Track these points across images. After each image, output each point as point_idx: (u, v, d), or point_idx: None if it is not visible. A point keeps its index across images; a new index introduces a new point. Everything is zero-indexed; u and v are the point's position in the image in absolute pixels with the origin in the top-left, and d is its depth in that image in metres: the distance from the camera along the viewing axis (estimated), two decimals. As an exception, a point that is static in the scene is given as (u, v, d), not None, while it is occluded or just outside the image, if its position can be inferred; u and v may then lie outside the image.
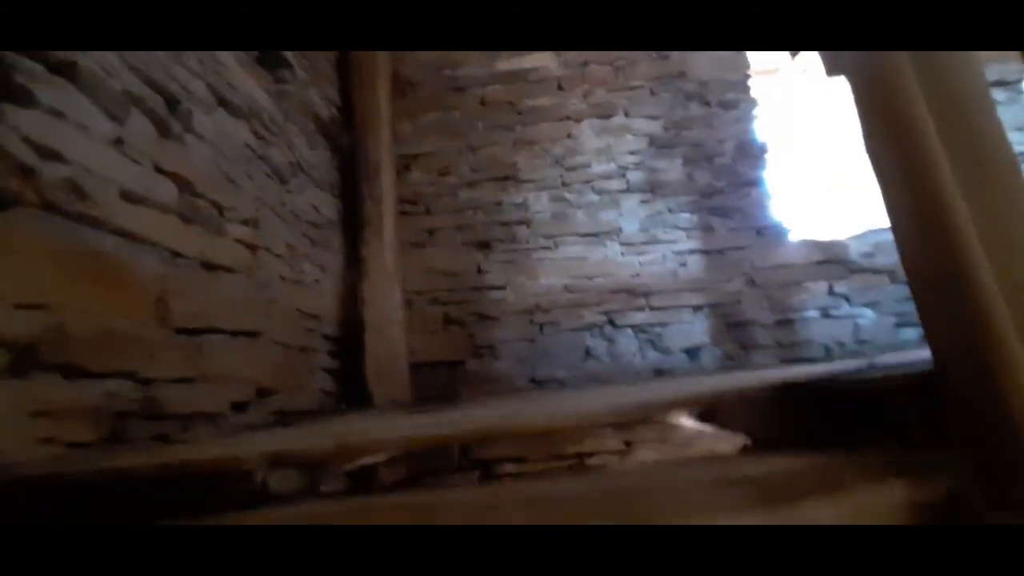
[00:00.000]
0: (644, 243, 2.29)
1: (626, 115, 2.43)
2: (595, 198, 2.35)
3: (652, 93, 2.44)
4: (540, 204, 2.35)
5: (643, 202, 2.33)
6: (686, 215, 2.31)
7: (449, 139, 2.43)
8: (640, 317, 2.21)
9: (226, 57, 1.41)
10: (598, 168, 2.38)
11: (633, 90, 2.45)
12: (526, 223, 2.33)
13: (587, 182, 2.37)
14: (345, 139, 2.18)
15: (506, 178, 2.38)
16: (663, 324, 2.20)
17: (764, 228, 2.28)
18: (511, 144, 2.42)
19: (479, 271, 2.28)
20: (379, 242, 2.05)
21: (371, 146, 2.19)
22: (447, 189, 2.38)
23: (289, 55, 1.77)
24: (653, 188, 2.34)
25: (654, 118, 2.42)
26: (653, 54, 2.48)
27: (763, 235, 2.28)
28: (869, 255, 2.23)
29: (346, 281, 2.00)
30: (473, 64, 2.50)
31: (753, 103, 2.42)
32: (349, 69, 2.27)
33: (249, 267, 1.43)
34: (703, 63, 2.46)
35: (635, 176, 2.36)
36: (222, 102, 1.36)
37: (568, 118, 2.44)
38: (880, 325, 2.17)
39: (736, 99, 2.42)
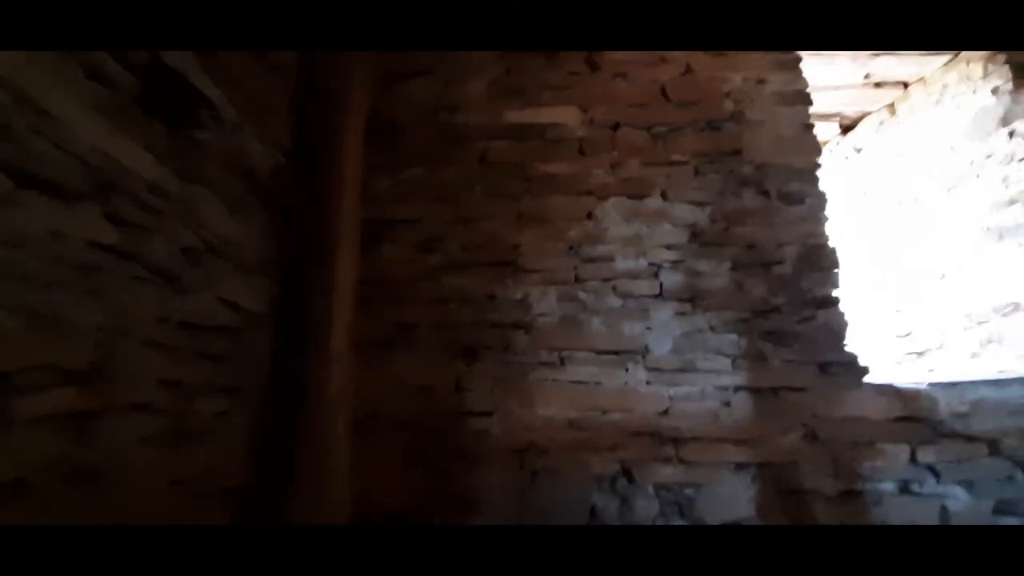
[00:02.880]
0: (678, 370, 1.75)
1: (664, 198, 1.91)
2: (617, 303, 1.81)
3: (697, 172, 1.93)
4: (546, 304, 1.80)
5: (679, 314, 1.80)
6: (733, 337, 1.78)
7: (437, 204, 1.88)
8: (666, 472, 1.66)
9: (64, 106, 0.83)
10: (623, 264, 1.84)
11: (674, 166, 1.94)
12: (525, 328, 1.77)
13: (608, 280, 1.83)
14: (294, 198, 1.60)
15: (505, 264, 1.83)
16: (696, 485, 1.66)
17: (830, 365, 1.77)
18: (515, 219, 1.87)
19: (458, 388, 1.71)
20: (322, 353, 1.46)
21: (328, 209, 1.62)
22: (428, 272, 1.81)
23: (211, 93, 1.21)
24: (693, 297, 1.81)
25: (699, 205, 1.90)
26: (702, 123, 1.98)
27: (828, 374, 1.76)
28: (963, 416, 1.73)
29: (272, 406, 1.41)
30: (476, 110, 1.97)
31: (822, 199, 1.93)
32: (313, 101, 1.71)
33: (67, 453, 0.84)
34: (763, 140, 1.96)
35: (671, 279, 1.83)
36: (29, 181, 0.78)
37: (590, 193, 1.91)
38: (975, 510, 1.66)
39: (801, 191, 1.93)
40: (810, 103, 2.04)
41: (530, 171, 1.92)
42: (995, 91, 2.12)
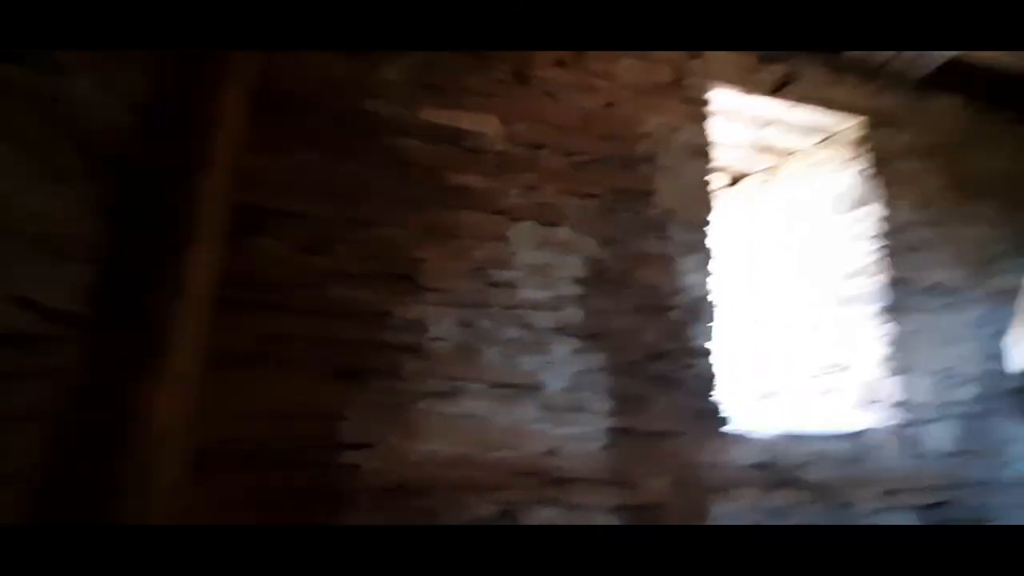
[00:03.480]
0: (569, 409, 1.72)
1: (576, 229, 1.87)
2: (517, 334, 1.73)
3: (610, 210, 1.93)
4: (444, 327, 1.65)
5: (577, 351, 1.77)
6: (625, 379, 1.80)
7: (332, 200, 1.63)
8: (547, 515, 1.62)
9: None
10: (529, 293, 1.77)
11: (589, 198, 1.91)
12: (418, 352, 1.61)
13: (511, 308, 1.74)
14: (143, 169, 1.27)
15: (404, 279, 1.65)
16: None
17: (702, 412, 1.87)
18: (421, 231, 1.70)
19: (333, 416, 1.50)
20: (156, 369, 1.17)
21: (187, 187, 1.30)
22: (312, 277, 1.57)
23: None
24: (592, 335, 1.80)
25: (609, 243, 1.89)
26: (619, 160, 1.98)
27: (701, 420, 1.86)
28: (802, 466, 1.93)
29: (72, 441, 1.08)
30: (391, 99, 1.75)
31: (710, 253, 2.03)
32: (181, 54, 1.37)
33: None
34: (671, 187, 2.02)
35: (573, 314, 1.80)
36: None
37: (503, 213, 1.80)
38: (802, 551, 1.86)
39: (696, 243, 2.02)
40: (711, 159, 2.15)
41: (443, 179, 1.75)
42: (857, 177, 2.42)
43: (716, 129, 2.27)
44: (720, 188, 3.16)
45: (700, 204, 2.06)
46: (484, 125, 1.84)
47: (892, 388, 2.18)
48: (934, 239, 2.38)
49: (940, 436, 2.18)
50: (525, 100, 1.91)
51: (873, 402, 2.22)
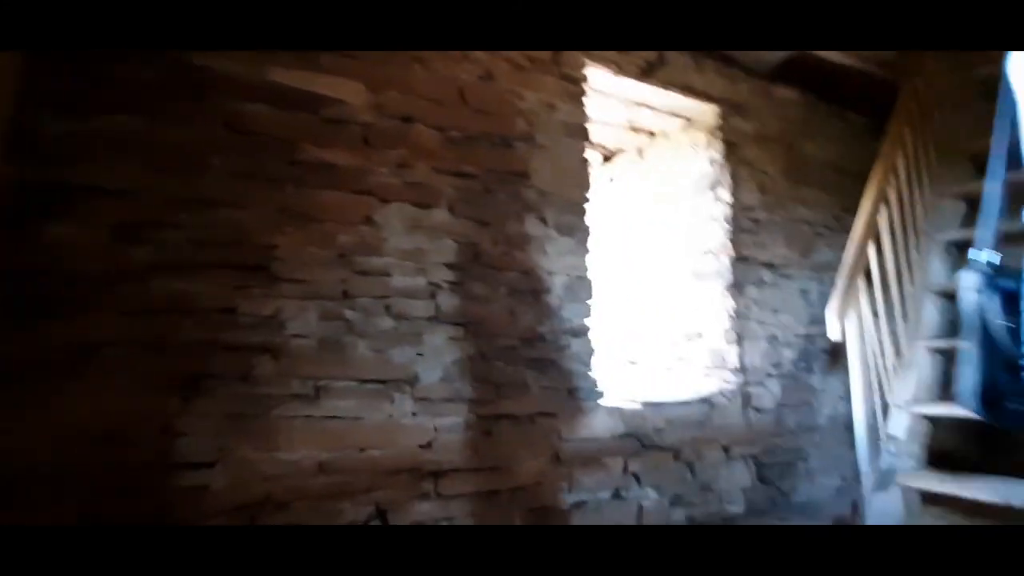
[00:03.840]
0: (445, 399, 1.68)
1: (451, 211, 1.78)
2: (390, 324, 1.62)
3: (487, 190, 1.86)
4: (304, 323, 1.49)
5: (453, 339, 1.72)
6: (501, 365, 1.79)
7: (155, 175, 1.35)
8: (423, 509, 1.59)
9: None
10: (401, 281, 1.66)
11: (465, 178, 1.82)
12: (274, 352, 1.44)
13: (382, 298, 1.62)
14: None
15: (254, 269, 1.44)
16: (450, 519, 1.63)
17: (577, 390, 1.95)
18: (273, 211, 1.49)
19: (168, 432, 1.29)
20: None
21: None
22: (133, 269, 1.30)
23: None
24: (468, 322, 1.75)
25: (484, 224, 1.83)
26: (496, 138, 1.90)
27: (575, 398, 1.94)
28: (661, 431, 2.12)
29: None
30: (229, 54, 1.47)
31: (588, 232, 2.08)
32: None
33: None
34: (548, 167, 2.00)
35: (448, 301, 1.73)
36: None
37: (371, 193, 1.65)
38: (659, 506, 2.07)
39: (573, 224, 2.04)
40: (588, 138, 2.17)
41: (299, 153, 1.54)
42: (711, 161, 2.62)
43: (591, 107, 2.29)
44: (594, 165, 3.24)
45: (577, 184, 2.08)
46: (346, 92, 1.64)
47: (733, 354, 2.46)
48: (771, 220, 2.67)
49: (768, 394, 2.52)
50: (393, 67, 1.73)
51: (718, 367, 2.50)
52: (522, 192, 1.93)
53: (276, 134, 1.52)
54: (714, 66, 2.57)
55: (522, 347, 1.85)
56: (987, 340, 0.96)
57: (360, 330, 1.57)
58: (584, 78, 2.15)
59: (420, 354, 1.66)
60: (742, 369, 2.44)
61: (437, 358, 1.68)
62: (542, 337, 1.89)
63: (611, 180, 3.17)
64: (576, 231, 2.04)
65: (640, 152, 3.02)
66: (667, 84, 2.42)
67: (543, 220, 1.97)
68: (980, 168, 2.53)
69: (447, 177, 1.78)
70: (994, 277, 0.96)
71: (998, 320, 0.94)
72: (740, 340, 2.47)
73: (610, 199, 3.16)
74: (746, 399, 2.44)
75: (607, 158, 3.20)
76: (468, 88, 1.87)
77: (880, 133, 2.52)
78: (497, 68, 1.94)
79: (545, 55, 2.06)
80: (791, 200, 2.78)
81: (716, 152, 2.60)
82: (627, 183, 3.09)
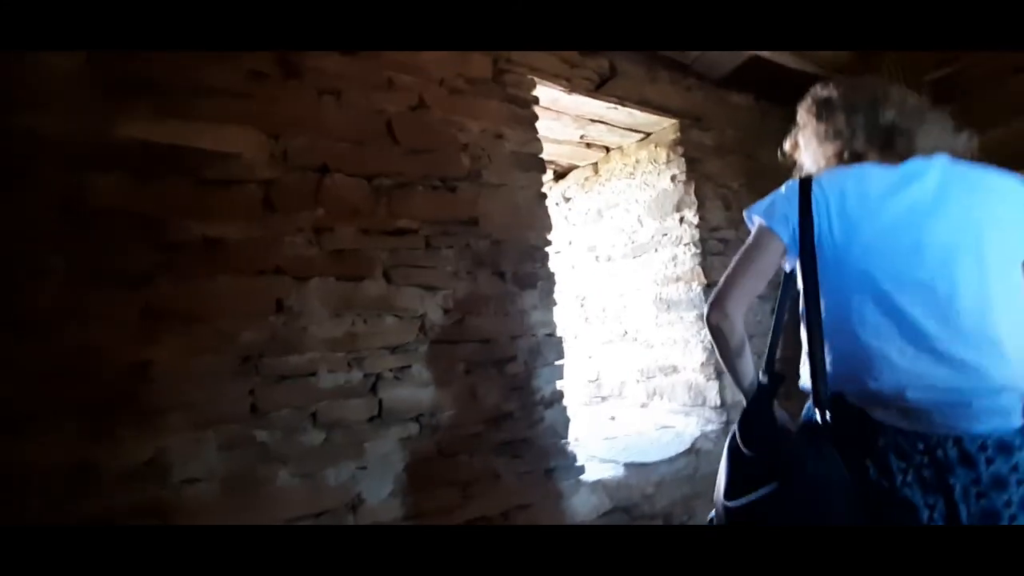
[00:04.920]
0: (400, 519, 1.34)
1: (388, 280, 1.43)
2: (319, 439, 1.27)
3: (428, 245, 1.53)
4: (199, 461, 1.11)
5: (403, 441, 1.38)
6: (465, 459, 1.48)
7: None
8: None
9: None
10: (330, 379, 1.30)
11: (402, 236, 1.48)
12: (160, 510, 1.06)
13: (304, 407, 1.26)
14: None
15: (117, 402, 1.05)
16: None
17: (554, 470, 1.66)
18: (137, 317, 1.09)
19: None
20: None
21: None
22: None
23: None
24: (421, 415, 1.42)
25: (430, 289, 1.50)
26: (435, 179, 1.57)
27: (552, 479, 1.65)
28: (650, 496, 1.88)
29: None
30: (63, 111, 1.06)
31: (553, 280, 1.79)
32: None
33: None
34: (500, 208, 1.69)
35: (394, 394, 1.39)
36: None
37: (279, 271, 1.28)
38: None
39: (535, 273, 1.75)
40: (544, 170, 1.88)
41: (172, 233, 1.15)
42: (673, 179, 2.40)
43: (543, 126, 2.00)
44: (548, 187, 2.97)
45: (535, 226, 1.78)
46: (237, 142, 1.26)
47: (713, 391, 2.26)
48: (739, 239, 2.49)
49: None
50: (298, 102, 1.37)
51: (698, 405, 2.30)
52: (472, 244, 1.61)
53: (137, 210, 1.12)
54: (668, 76, 2.34)
55: (489, 432, 1.54)
56: None
57: (279, 454, 1.21)
58: (534, 100, 1.86)
59: (363, 468, 1.31)
60: (723, 406, 2.25)
61: (385, 469, 1.34)
62: (511, 415, 1.59)
63: (565, 200, 2.91)
64: (539, 281, 1.75)
65: (596, 168, 2.76)
66: (621, 98, 2.17)
67: (500, 274, 1.66)
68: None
69: (379, 237, 1.43)
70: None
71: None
72: (719, 374, 2.27)
73: (564, 220, 2.90)
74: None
75: (560, 175, 2.93)
76: (397, 121, 1.53)
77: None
78: (430, 93, 1.60)
79: (486, 74, 1.75)
80: (755, 214, 2.61)
81: (678, 169, 2.39)
82: (583, 203, 2.83)
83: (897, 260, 0.82)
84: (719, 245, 2.40)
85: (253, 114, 1.29)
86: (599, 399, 2.73)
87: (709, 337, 2.22)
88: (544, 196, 1.83)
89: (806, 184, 0.88)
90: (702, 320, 2.25)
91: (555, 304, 1.77)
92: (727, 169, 2.51)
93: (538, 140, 1.84)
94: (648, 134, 2.48)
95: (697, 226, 2.35)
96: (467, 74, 1.70)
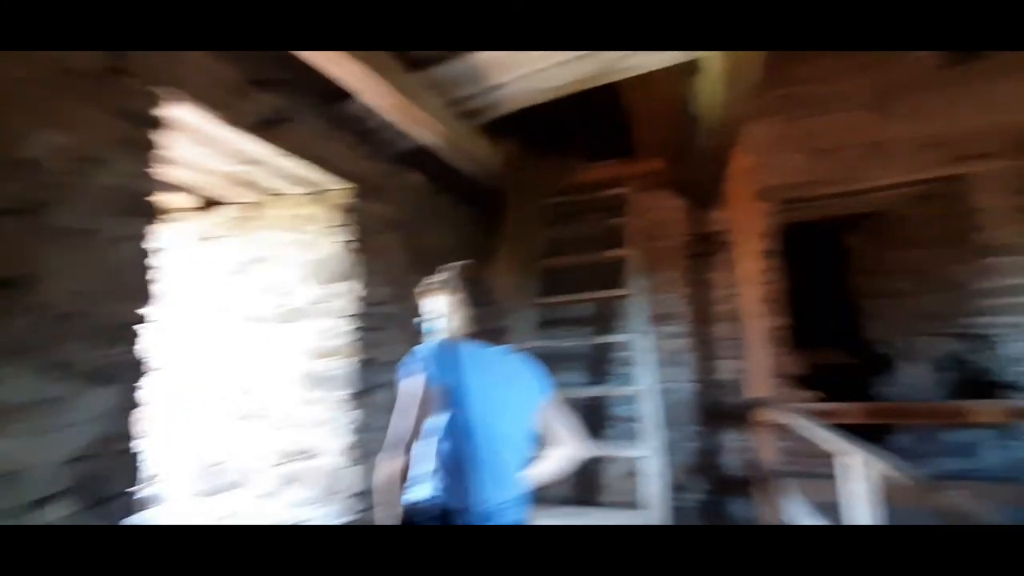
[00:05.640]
0: None
1: None
2: None
3: None
4: None
5: None
6: None
7: None
8: None
9: None
10: None
11: None
12: None
13: None
14: None
15: None
16: None
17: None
18: None
19: None
20: None
21: None
22: None
23: None
24: None
25: None
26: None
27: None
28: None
29: None
30: None
31: (139, 371, 1.31)
32: None
33: None
34: (76, 269, 1.16)
35: None
36: None
37: None
38: None
39: (115, 363, 1.25)
40: (153, 217, 1.40)
41: None
42: (344, 244, 2.21)
43: (180, 150, 1.53)
44: (186, 213, 2.36)
45: (128, 295, 1.29)
46: None
47: (357, 476, 2.12)
48: (396, 315, 2.47)
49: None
50: None
51: (335, 493, 2.11)
52: (15, 324, 1.03)
53: None
54: (347, 140, 2.20)
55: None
56: None
57: None
58: (161, 121, 1.40)
59: None
60: (362, 495, 2.12)
61: None
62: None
63: (203, 240, 2.36)
64: (119, 376, 1.25)
65: (253, 209, 2.34)
66: (293, 149, 1.90)
67: (60, 366, 1.11)
68: (547, 285, 3.08)
69: None
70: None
71: None
72: (365, 457, 2.14)
73: (200, 264, 2.34)
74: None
75: (207, 204, 2.37)
76: None
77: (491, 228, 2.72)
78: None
79: (96, 67, 1.22)
80: (412, 292, 2.68)
81: (351, 235, 2.23)
82: (227, 249, 2.35)
83: None
84: (381, 320, 2.34)
85: None
86: (220, 490, 2.23)
87: (357, 415, 2.10)
88: (146, 254, 1.35)
89: None
90: (355, 399, 2.12)
91: (135, 406, 1.29)
92: (394, 244, 2.51)
93: (150, 177, 1.37)
94: (318, 191, 2.26)
95: (363, 298, 2.23)
96: (67, 63, 1.14)
